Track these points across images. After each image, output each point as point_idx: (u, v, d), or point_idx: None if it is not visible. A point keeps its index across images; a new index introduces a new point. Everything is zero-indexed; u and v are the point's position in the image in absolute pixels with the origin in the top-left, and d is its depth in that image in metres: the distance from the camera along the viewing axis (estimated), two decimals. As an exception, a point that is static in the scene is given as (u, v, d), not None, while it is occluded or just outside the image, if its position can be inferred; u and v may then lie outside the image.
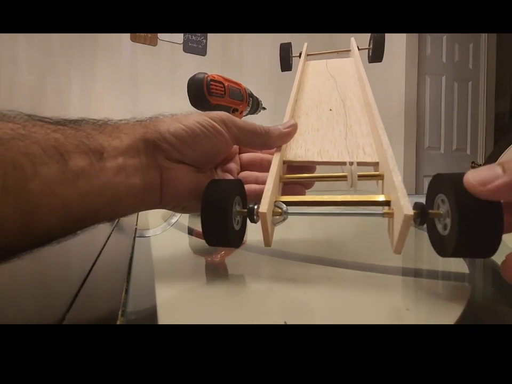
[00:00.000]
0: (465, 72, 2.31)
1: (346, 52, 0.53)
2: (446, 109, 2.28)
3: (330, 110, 0.33)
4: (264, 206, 0.20)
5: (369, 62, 0.54)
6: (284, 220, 0.22)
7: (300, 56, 0.52)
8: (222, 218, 0.21)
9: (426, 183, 2.13)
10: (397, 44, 2.16)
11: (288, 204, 0.22)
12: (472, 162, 2.20)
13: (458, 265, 0.27)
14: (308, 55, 0.51)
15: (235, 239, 0.23)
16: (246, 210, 0.22)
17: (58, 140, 0.18)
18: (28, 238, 0.17)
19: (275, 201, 0.22)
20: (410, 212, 0.17)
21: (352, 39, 0.50)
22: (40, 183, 0.17)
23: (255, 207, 0.21)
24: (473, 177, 0.16)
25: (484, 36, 2.32)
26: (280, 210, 0.21)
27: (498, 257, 0.27)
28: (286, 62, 0.58)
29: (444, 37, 2.25)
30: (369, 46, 0.56)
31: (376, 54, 0.54)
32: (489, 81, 2.36)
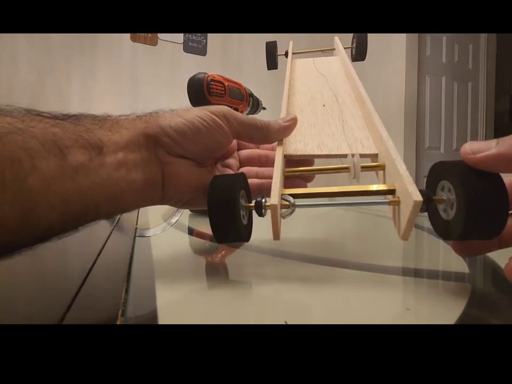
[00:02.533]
0: (465, 72, 2.31)
1: (330, 51, 0.54)
2: (446, 109, 2.28)
3: (324, 105, 0.34)
4: (274, 198, 0.20)
5: (353, 61, 0.54)
6: (292, 212, 0.22)
7: (285, 54, 0.53)
8: (230, 213, 0.21)
9: (426, 183, 2.13)
10: (397, 44, 2.16)
11: (295, 196, 0.22)
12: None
13: (458, 265, 0.27)
14: (293, 53, 0.51)
15: (244, 234, 0.23)
16: (253, 204, 0.22)
17: (57, 135, 0.18)
18: (27, 234, 0.17)
19: (282, 194, 0.22)
20: (420, 198, 0.18)
21: (336, 38, 0.51)
22: (39, 178, 0.17)
23: (263, 200, 0.22)
24: (470, 146, 0.18)
25: (483, 36, 2.32)
26: (287, 203, 0.21)
27: (498, 258, 0.27)
28: (272, 61, 0.58)
29: (444, 37, 2.25)
30: (352, 45, 0.56)
31: (359, 53, 0.55)
32: (489, 81, 2.36)
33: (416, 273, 0.25)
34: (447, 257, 0.30)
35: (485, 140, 2.04)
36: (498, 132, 2.41)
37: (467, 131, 2.33)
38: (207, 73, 0.53)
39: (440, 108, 2.27)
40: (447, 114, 2.28)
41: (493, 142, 0.17)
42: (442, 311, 0.17)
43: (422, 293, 0.21)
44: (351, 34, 0.56)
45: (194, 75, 0.53)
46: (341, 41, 0.49)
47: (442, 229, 0.20)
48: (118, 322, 0.16)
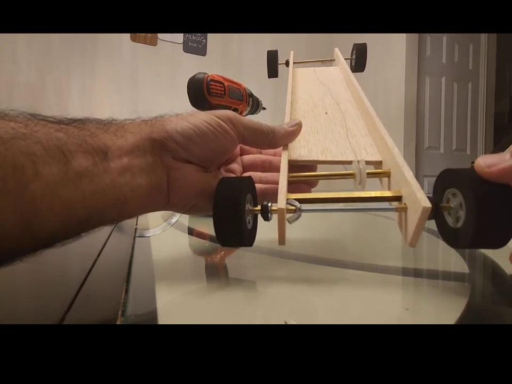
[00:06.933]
0: (465, 72, 2.31)
1: (330, 62, 0.55)
2: (446, 109, 2.28)
3: (326, 113, 0.34)
4: (282, 202, 0.20)
5: (352, 72, 0.55)
6: (298, 217, 0.21)
7: (286, 63, 0.54)
8: (235, 217, 0.21)
9: (426, 182, 2.14)
10: (397, 44, 2.16)
11: (301, 201, 0.22)
12: (472, 162, 2.20)
13: (458, 265, 0.27)
14: (294, 63, 0.52)
15: (249, 238, 0.23)
16: (258, 208, 0.22)
17: (61, 139, 0.18)
18: (30, 241, 0.17)
19: (288, 199, 0.22)
20: (429, 204, 0.18)
21: (336, 49, 0.52)
22: (41, 184, 0.16)
23: (269, 204, 0.21)
24: (483, 160, 0.18)
25: (483, 36, 2.32)
26: (294, 207, 0.21)
27: (498, 258, 0.27)
28: (273, 69, 0.59)
29: (444, 37, 2.25)
30: (351, 56, 0.56)
31: (358, 64, 0.56)
32: (489, 81, 2.36)
33: (416, 273, 0.25)
34: (447, 257, 0.30)
35: (485, 140, 2.03)
36: (498, 132, 2.41)
37: (467, 131, 2.33)
38: (206, 73, 0.53)
39: (440, 108, 2.27)
40: (446, 114, 2.28)
41: (507, 155, 0.17)
42: (442, 311, 0.17)
43: (421, 293, 0.21)
44: (350, 48, 0.57)
45: (194, 75, 0.53)
46: (341, 53, 0.50)
47: (450, 237, 0.20)
48: (118, 323, 0.16)
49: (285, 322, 0.16)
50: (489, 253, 0.29)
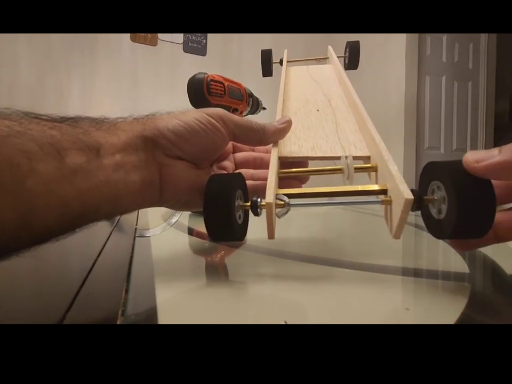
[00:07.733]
0: (465, 72, 2.31)
1: (324, 60, 0.55)
2: (446, 109, 2.28)
3: (318, 110, 0.34)
4: (270, 197, 0.21)
5: (346, 70, 0.56)
6: (287, 212, 0.22)
7: (280, 62, 0.54)
8: (225, 212, 0.21)
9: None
10: (397, 44, 2.16)
11: (290, 196, 0.22)
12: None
13: (458, 265, 0.27)
14: (287, 61, 0.53)
15: (239, 233, 0.23)
16: (248, 203, 0.22)
17: (55, 137, 0.18)
18: (26, 236, 0.17)
19: (277, 194, 0.22)
20: (411, 196, 0.18)
21: (330, 47, 0.52)
22: (37, 181, 0.17)
23: (259, 200, 0.22)
24: (472, 155, 0.18)
25: (483, 36, 2.32)
26: (282, 202, 0.22)
27: (498, 258, 0.27)
28: (267, 68, 0.60)
29: (444, 36, 2.25)
30: (345, 54, 0.57)
31: (352, 62, 0.56)
32: (489, 81, 2.36)
33: (416, 273, 0.25)
34: (446, 257, 0.30)
35: (485, 139, 2.02)
36: (498, 131, 2.41)
37: (467, 131, 2.33)
38: (206, 73, 0.53)
39: (440, 107, 2.27)
40: (447, 114, 2.28)
41: (495, 151, 0.17)
42: (442, 311, 0.17)
43: (421, 293, 0.21)
44: (344, 45, 0.57)
45: (194, 75, 0.53)
46: (334, 52, 0.51)
47: (434, 228, 0.20)
48: (118, 322, 0.16)
49: (285, 322, 0.16)
50: (489, 253, 0.29)
